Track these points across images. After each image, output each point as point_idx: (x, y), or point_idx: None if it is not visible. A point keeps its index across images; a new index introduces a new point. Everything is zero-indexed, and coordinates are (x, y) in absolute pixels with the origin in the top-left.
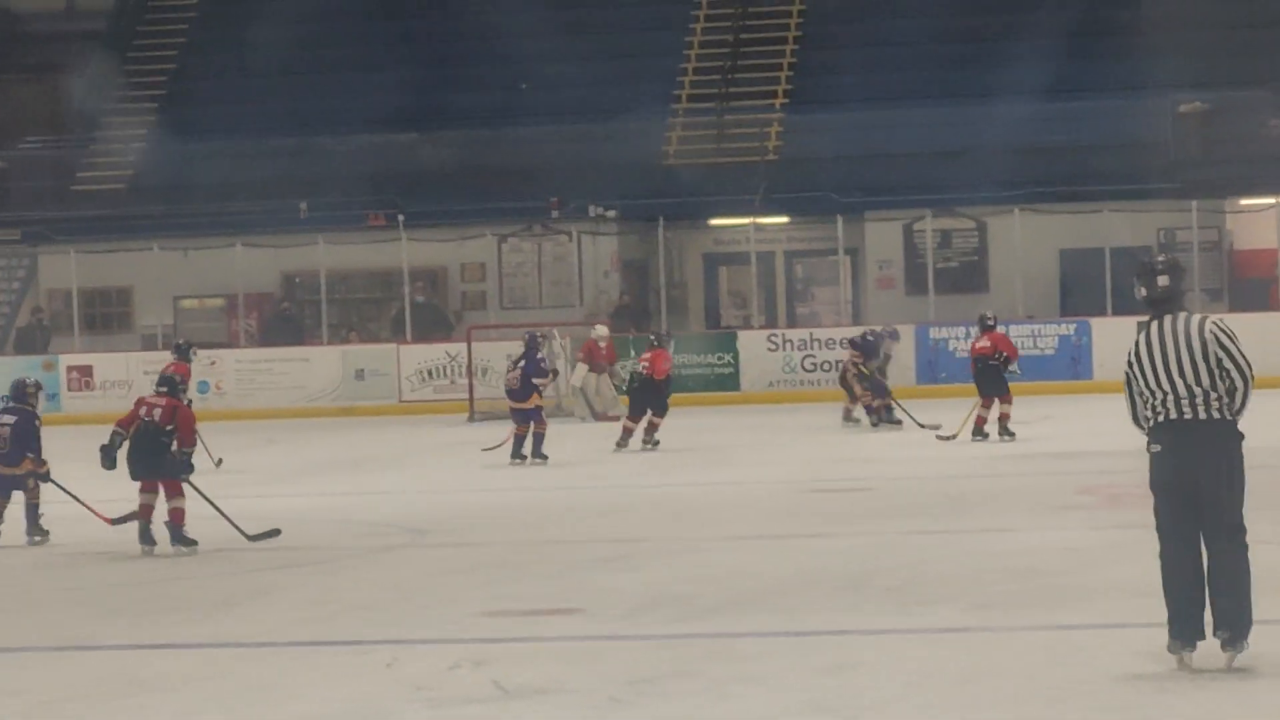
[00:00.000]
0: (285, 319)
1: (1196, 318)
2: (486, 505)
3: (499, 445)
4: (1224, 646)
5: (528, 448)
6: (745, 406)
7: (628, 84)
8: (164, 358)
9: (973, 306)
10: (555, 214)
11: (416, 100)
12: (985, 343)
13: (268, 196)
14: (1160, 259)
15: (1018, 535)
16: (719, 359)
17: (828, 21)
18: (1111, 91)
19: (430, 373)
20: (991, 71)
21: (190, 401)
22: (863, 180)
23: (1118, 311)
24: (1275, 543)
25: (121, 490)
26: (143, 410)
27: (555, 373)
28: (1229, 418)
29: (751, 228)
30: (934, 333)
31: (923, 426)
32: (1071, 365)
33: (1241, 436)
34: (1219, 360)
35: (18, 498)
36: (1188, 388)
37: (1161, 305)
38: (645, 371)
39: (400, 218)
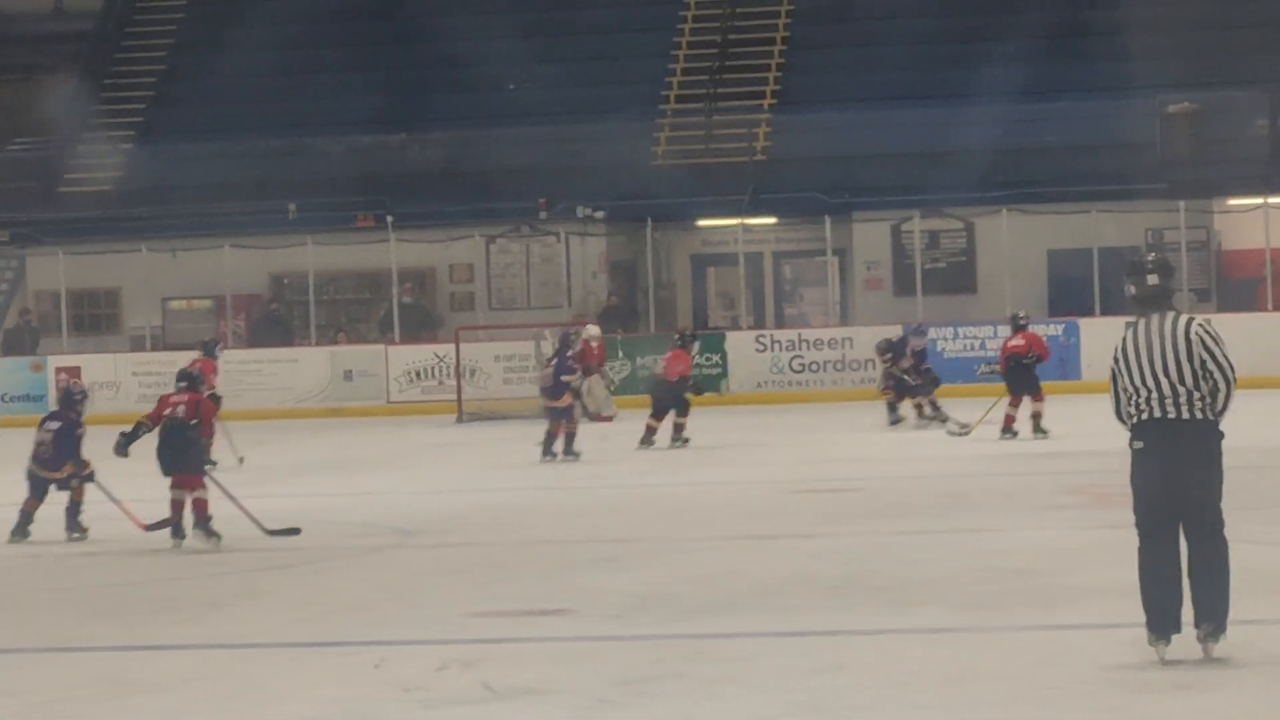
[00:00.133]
0: (273, 320)
1: (1184, 318)
2: (476, 506)
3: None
4: (1204, 639)
5: (558, 446)
6: (734, 407)
7: (615, 85)
8: (153, 358)
9: (961, 307)
10: (543, 215)
11: (405, 101)
12: (1019, 341)
13: (256, 198)
14: (1150, 258)
15: (1008, 535)
16: (707, 360)
17: (815, 23)
18: (1099, 92)
19: (418, 374)
20: (979, 72)
21: (220, 398)
22: (850, 181)
23: (1106, 312)
24: (1264, 542)
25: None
26: (167, 409)
27: (583, 371)
28: (1210, 418)
29: (739, 228)
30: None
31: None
32: (1060, 365)
33: (1222, 435)
34: (1203, 362)
35: (53, 499)
36: (1172, 387)
37: (1150, 304)
38: (660, 372)
39: (389, 219)
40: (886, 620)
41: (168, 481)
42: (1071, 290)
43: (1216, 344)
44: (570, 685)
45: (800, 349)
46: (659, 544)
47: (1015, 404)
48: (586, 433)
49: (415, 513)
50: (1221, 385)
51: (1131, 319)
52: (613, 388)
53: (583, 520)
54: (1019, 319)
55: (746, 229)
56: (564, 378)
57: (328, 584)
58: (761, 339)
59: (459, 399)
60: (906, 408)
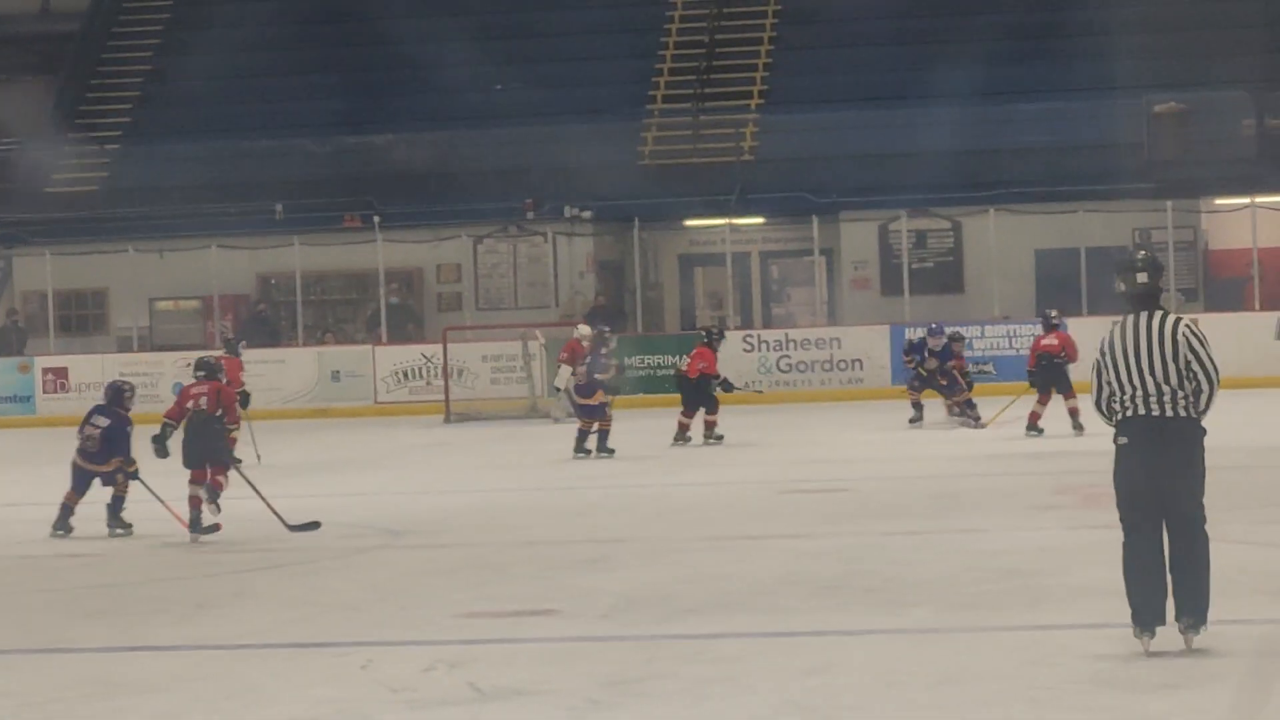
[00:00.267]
0: (261, 321)
1: (1171, 318)
2: (463, 506)
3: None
4: (1185, 631)
5: (592, 443)
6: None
7: (602, 85)
8: (140, 359)
9: (948, 307)
10: (530, 215)
11: (391, 102)
12: (1052, 340)
13: (243, 198)
14: (1140, 256)
15: (997, 535)
16: None
17: (802, 23)
18: (1086, 92)
19: (406, 374)
20: (966, 72)
21: (249, 395)
22: (838, 181)
23: (1093, 311)
24: (1251, 542)
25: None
26: (189, 402)
27: (618, 368)
28: (1194, 416)
29: (727, 228)
30: (910, 334)
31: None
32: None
33: (1204, 433)
34: (1188, 362)
35: (94, 496)
36: (1157, 386)
37: (1138, 301)
38: (684, 369)
39: (375, 219)
40: (878, 620)
41: (188, 475)
42: (1059, 290)
43: (1202, 345)
44: (560, 686)
45: (787, 349)
46: (649, 544)
47: (1043, 402)
48: (572, 433)
49: (404, 513)
50: (1205, 386)
51: (1118, 319)
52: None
53: (572, 521)
54: (1052, 318)
55: (734, 229)
56: (597, 375)
57: (317, 585)
58: (749, 339)
59: (446, 399)
60: (937, 408)
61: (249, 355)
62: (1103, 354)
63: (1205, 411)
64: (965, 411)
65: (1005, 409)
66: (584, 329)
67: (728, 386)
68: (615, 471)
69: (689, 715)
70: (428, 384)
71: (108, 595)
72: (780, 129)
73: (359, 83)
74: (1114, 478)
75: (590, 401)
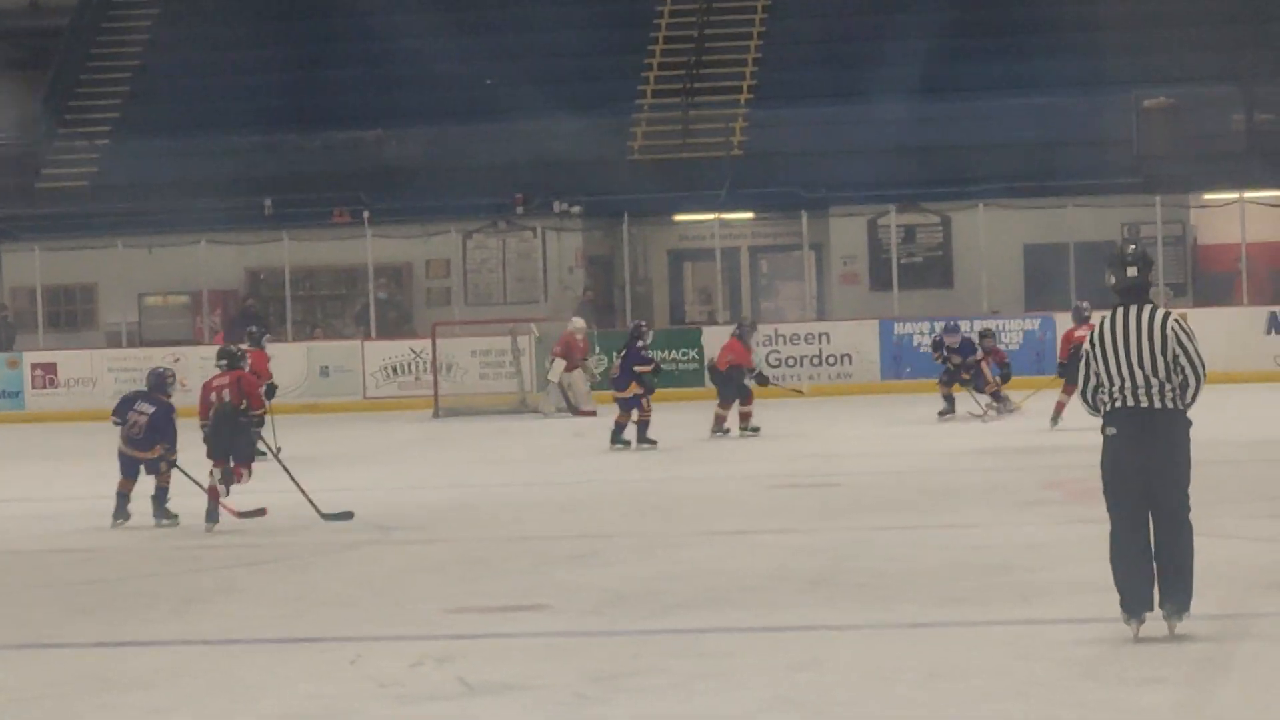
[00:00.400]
0: (249, 316)
1: (1160, 312)
2: (453, 502)
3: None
4: (1169, 616)
5: (630, 434)
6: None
7: (592, 80)
8: (129, 354)
9: (937, 302)
10: (520, 210)
11: (381, 97)
12: (1084, 332)
13: (232, 193)
14: (1130, 250)
15: (985, 531)
16: (684, 355)
17: (791, 17)
18: (1075, 87)
19: (395, 369)
20: (954, 67)
21: (276, 388)
22: (827, 176)
23: None
24: (1241, 536)
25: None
26: (212, 395)
27: (656, 364)
28: (1180, 407)
29: (716, 223)
30: (898, 328)
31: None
32: (1036, 360)
33: (1190, 424)
34: (1175, 356)
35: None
36: (1145, 378)
37: (1128, 295)
38: (714, 361)
39: (365, 214)
40: (866, 615)
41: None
42: (1048, 285)
43: (1190, 340)
44: (549, 681)
45: (776, 344)
46: (638, 539)
47: (1069, 392)
48: (562, 428)
49: (393, 508)
50: (1192, 380)
51: (1106, 313)
52: (595, 382)
53: (561, 516)
54: (1083, 311)
55: (723, 224)
56: (637, 367)
57: (306, 580)
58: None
59: (435, 394)
60: (967, 401)
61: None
62: (1092, 345)
63: (1191, 403)
64: (992, 403)
65: (1028, 398)
66: (578, 322)
67: (762, 380)
68: (605, 466)
69: (678, 710)
70: (417, 379)
71: (97, 591)
72: (769, 124)
73: (348, 78)
74: (1101, 467)
75: (625, 395)
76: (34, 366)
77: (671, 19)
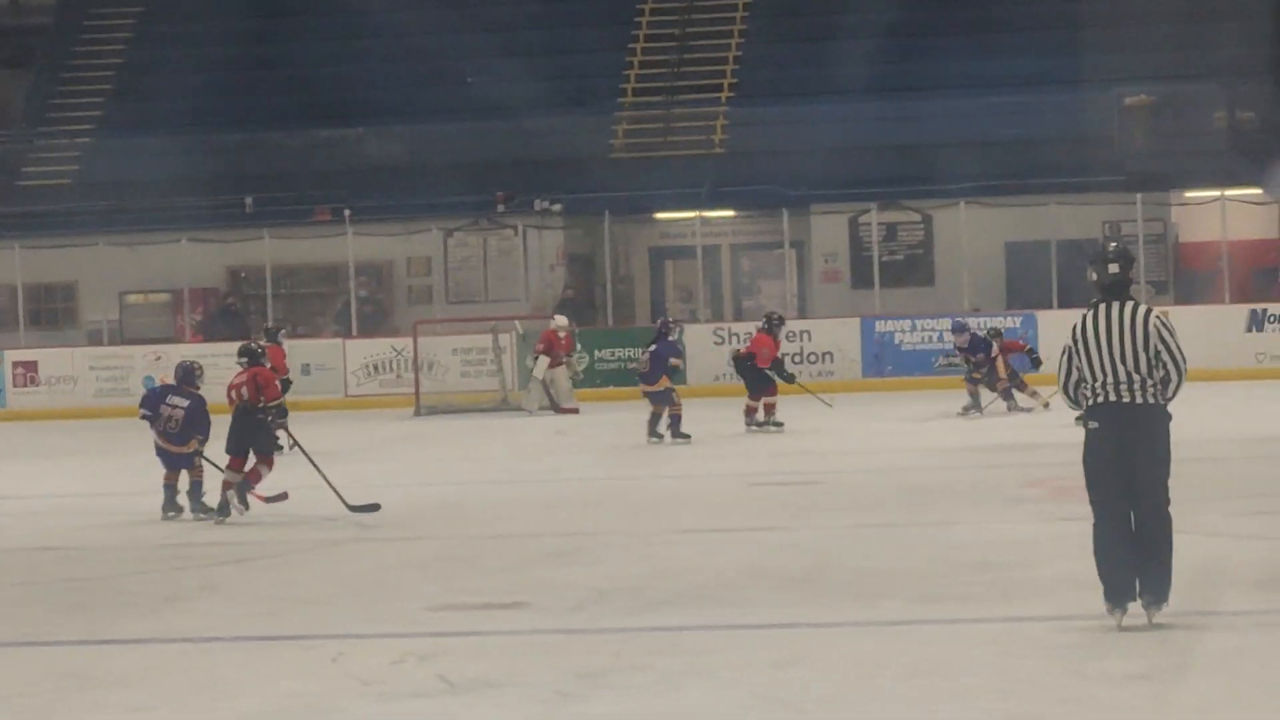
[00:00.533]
0: (230, 314)
1: (1142, 309)
2: (434, 499)
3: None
4: (1148, 607)
5: (664, 427)
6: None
7: (573, 78)
8: (110, 352)
9: (918, 300)
10: (501, 208)
11: (362, 95)
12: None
13: (213, 191)
14: (1112, 247)
15: (967, 528)
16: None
17: (773, 16)
18: (1056, 85)
19: (376, 367)
20: (936, 66)
21: (290, 383)
22: (808, 174)
23: (1063, 304)
24: (1224, 534)
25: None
26: (232, 394)
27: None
28: (1161, 402)
29: (697, 221)
30: (880, 326)
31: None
32: (1018, 358)
33: (1170, 418)
34: (1157, 352)
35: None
36: (1127, 374)
37: (1110, 291)
38: (741, 353)
39: (346, 212)
40: (848, 613)
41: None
42: (1029, 282)
43: (1171, 336)
44: (528, 678)
45: None
46: (619, 537)
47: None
48: (544, 425)
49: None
50: (1174, 375)
51: (1086, 311)
52: (578, 379)
53: (543, 513)
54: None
55: (704, 222)
56: (673, 360)
57: (287, 578)
58: (719, 332)
59: (416, 392)
60: (988, 397)
61: (213, 349)
62: (1074, 340)
63: (1172, 398)
64: (1008, 400)
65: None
66: (560, 320)
67: (788, 377)
68: (587, 465)
69: (660, 707)
70: (398, 377)
71: (79, 589)
72: (751, 122)
73: (329, 76)
74: (1084, 461)
75: (655, 388)
76: (15, 364)
77: (653, 17)
